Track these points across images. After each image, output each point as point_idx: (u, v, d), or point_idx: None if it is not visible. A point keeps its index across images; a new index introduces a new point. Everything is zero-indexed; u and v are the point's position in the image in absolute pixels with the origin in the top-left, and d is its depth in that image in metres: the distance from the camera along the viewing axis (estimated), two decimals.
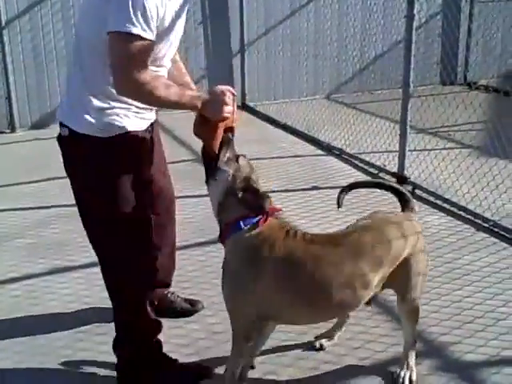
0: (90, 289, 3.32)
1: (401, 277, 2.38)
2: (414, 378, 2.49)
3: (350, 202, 4.41)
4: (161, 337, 2.61)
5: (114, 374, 2.58)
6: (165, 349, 2.63)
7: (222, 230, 2.29)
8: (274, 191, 4.77)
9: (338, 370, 2.63)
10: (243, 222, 2.22)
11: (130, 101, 2.25)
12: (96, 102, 2.23)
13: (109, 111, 2.24)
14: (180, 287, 3.35)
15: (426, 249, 2.52)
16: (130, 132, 2.32)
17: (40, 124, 6.68)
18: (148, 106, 2.37)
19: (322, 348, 2.75)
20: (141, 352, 2.52)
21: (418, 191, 4.60)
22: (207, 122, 2.34)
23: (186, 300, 3.15)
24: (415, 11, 4.36)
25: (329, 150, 5.80)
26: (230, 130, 2.40)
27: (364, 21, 7.61)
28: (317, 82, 7.90)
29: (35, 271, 3.63)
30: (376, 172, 5.11)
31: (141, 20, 2.06)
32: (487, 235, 3.87)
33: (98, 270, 2.56)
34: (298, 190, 4.82)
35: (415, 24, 4.41)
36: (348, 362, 2.68)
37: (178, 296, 3.14)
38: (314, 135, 6.14)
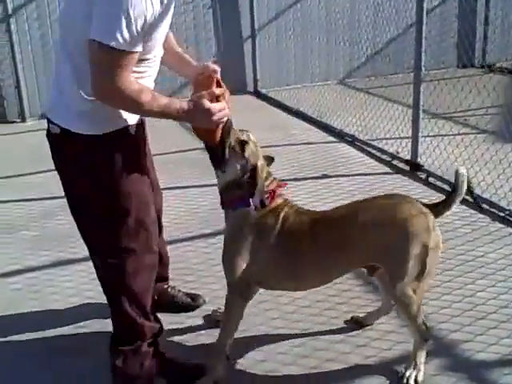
0: (91, 282, 3.23)
1: (389, 256, 2.32)
2: (419, 378, 2.38)
3: (360, 190, 4.30)
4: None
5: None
6: (165, 344, 2.57)
7: (228, 201, 2.40)
8: (283, 180, 4.66)
9: (342, 369, 2.53)
10: (252, 199, 2.33)
11: None
12: (88, 100, 2.13)
13: (101, 108, 2.13)
14: (183, 280, 3.28)
15: (427, 238, 2.31)
16: (124, 127, 2.24)
17: None
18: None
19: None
20: (139, 355, 2.44)
21: (431, 179, 4.46)
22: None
23: (187, 294, 3.06)
24: None
25: (341, 136, 5.66)
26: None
27: (376, 3, 7.41)
28: (329, 66, 7.74)
29: (38, 264, 3.58)
30: (389, 159, 4.97)
31: (124, 32, 1.93)
32: (503, 225, 3.72)
33: None
34: (308, 179, 4.70)
35: (428, 5, 4.25)
36: (352, 360, 2.57)
37: (179, 290, 3.06)
38: (327, 121, 6.01)
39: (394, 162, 4.89)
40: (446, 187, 4.27)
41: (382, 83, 7.33)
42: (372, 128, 5.53)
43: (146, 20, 1.98)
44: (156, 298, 2.92)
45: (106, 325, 2.76)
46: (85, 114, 2.15)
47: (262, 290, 2.57)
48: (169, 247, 3.69)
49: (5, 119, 6.72)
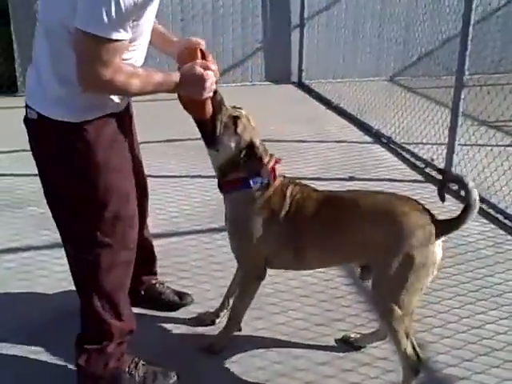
0: None
1: (376, 253, 2.20)
2: None
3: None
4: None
5: None
6: (140, 344, 2.43)
7: (227, 183, 2.35)
8: (306, 178, 4.46)
9: None
10: (253, 180, 2.30)
11: None
12: (64, 85, 1.99)
13: (78, 95, 2.00)
14: (177, 276, 3.14)
15: (418, 249, 2.13)
16: (104, 116, 2.09)
17: None
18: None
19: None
20: (105, 355, 2.30)
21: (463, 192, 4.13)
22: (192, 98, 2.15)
23: (175, 292, 2.90)
24: None
25: (377, 137, 5.38)
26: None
27: (434, 1, 7.02)
28: (380, 62, 7.42)
29: (37, 243, 3.49)
30: (423, 166, 4.67)
31: (113, 19, 1.81)
32: None
33: None
34: (333, 179, 4.46)
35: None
36: None
37: (167, 287, 2.91)
38: (365, 120, 5.73)
39: (427, 170, 4.59)
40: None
41: (432, 84, 6.95)
42: (410, 130, 5.21)
43: (135, 5, 1.84)
44: (142, 292, 2.84)
45: None
46: (61, 99, 2.01)
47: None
48: (173, 239, 3.58)
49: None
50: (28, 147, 2.15)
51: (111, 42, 1.85)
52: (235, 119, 2.28)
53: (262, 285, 2.47)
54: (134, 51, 2.06)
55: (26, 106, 2.10)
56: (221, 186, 2.40)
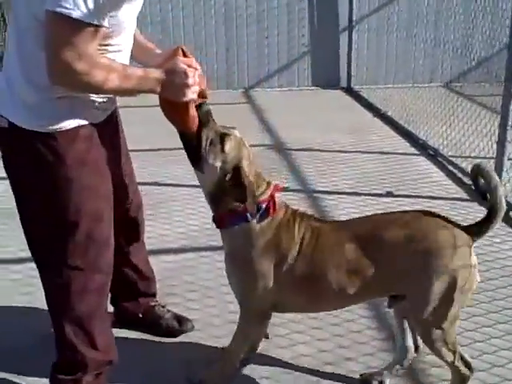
0: None
1: (415, 281, 2.01)
2: None
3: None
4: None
5: None
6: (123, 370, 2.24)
7: (221, 216, 2.08)
8: (340, 193, 4.16)
9: None
10: (250, 212, 2.02)
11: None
12: (38, 92, 1.82)
13: (51, 101, 1.83)
14: (184, 298, 2.92)
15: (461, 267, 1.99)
16: (81, 126, 1.90)
17: None
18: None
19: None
20: None
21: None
22: (174, 102, 1.91)
23: (175, 317, 2.68)
24: None
25: (424, 148, 5.00)
26: (201, 96, 1.97)
27: (495, 2, 6.53)
28: (434, 67, 6.99)
29: None
30: (470, 183, 4.27)
31: (88, 1, 1.63)
32: None
33: None
34: (368, 195, 4.14)
35: None
36: None
37: (168, 310, 2.69)
38: (412, 129, 5.36)
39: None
40: None
41: (491, 91, 6.48)
42: (459, 143, 4.81)
43: None
44: (140, 315, 2.64)
45: None
46: (32, 107, 1.84)
47: None
48: (188, 255, 3.36)
49: None
50: None
51: (84, 26, 1.66)
52: (223, 136, 2.00)
53: None
54: (116, 52, 1.87)
55: None
56: (215, 220, 2.11)
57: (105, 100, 1.95)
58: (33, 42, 1.76)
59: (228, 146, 1.99)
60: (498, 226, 2.05)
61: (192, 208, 3.90)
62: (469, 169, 4.25)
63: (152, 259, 3.25)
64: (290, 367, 2.43)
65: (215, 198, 2.05)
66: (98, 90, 1.81)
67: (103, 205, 2.00)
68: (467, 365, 2.10)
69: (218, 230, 2.14)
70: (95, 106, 1.93)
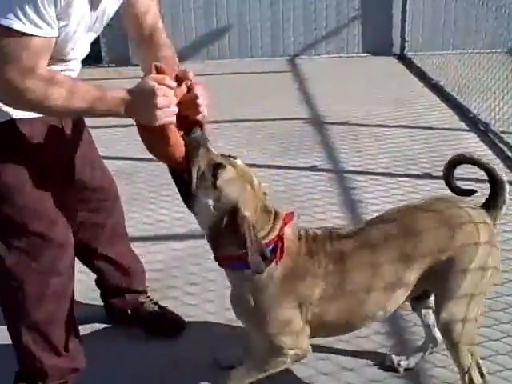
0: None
1: (439, 278, 1.85)
2: None
3: None
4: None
5: None
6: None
7: (222, 259, 1.78)
8: (372, 173, 3.84)
9: None
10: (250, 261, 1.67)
11: None
12: None
13: None
14: (183, 291, 2.73)
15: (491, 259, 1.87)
16: (24, 119, 1.71)
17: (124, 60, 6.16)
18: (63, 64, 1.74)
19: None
20: None
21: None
22: (150, 128, 1.63)
23: (165, 314, 2.49)
24: None
25: (474, 123, 4.56)
26: (195, 124, 1.71)
27: None
28: (498, 31, 6.37)
29: None
30: None
31: (28, 10, 1.46)
32: None
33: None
34: (403, 176, 3.80)
35: None
36: None
37: (160, 307, 2.51)
38: (464, 102, 4.90)
39: None
40: None
41: None
42: None
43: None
44: (129, 312, 2.48)
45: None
46: None
47: None
48: (195, 242, 3.12)
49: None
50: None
51: (28, 38, 1.48)
52: (216, 167, 1.66)
53: None
54: (69, 71, 1.71)
55: None
56: (216, 260, 1.82)
57: None
58: None
59: (221, 180, 1.65)
60: None
61: None
62: None
63: (159, 246, 3.08)
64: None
65: (214, 241, 1.74)
66: (40, 108, 1.59)
67: (53, 207, 1.82)
68: (482, 376, 1.90)
69: None
70: None
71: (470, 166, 2.04)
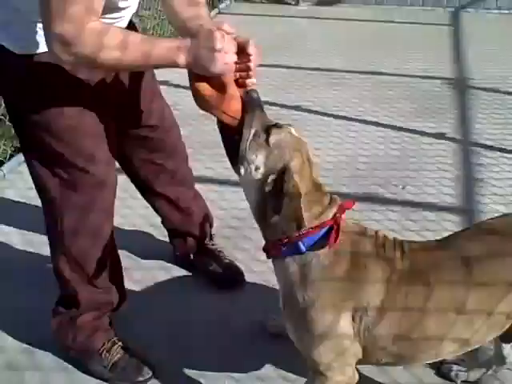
0: None
1: None
2: None
3: None
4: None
5: None
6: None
7: (271, 244, 1.59)
8: (507, 150, 3.38)
9: None
10: (303, 242, 1.51)
11: None
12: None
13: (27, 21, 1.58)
14: (255, 244, 2.58)
15: None
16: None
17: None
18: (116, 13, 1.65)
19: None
20: (74, 327, 1.99)
21: None
22: (209, 82, 1.54)
23: (228, 266, 2.40)
24: None
25: None
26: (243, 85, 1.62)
27: None
28: None
29: None
30: None
31: None
32: None
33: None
34: None
35: None
36: None
37: (224, 258, 2.42)
38: None
39: None
40: None
41: None
42: None
43: None
44: (191, 257, 2.44)
45: None
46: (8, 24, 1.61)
47: None
48: None
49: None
50: None
51: None
52: (270, 127, 1.53)
53: None
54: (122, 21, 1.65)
55: None
56: (266, 250, 1.63)
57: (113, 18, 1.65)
58: None
59: (275, 138, 1.51)
60: None
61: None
62: None
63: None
64: None
65: (260, 214, 1.56)
66: (96, 63, 1.49)
67: (94, 143, 1.76)
68: None
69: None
70: None
71: None
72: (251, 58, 1.58)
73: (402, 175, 3.14)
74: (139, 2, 1.74)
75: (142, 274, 2.44)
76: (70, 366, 2.02)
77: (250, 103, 1.56)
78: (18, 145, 2.71)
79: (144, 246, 2.58)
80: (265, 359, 2.03)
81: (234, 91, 1.56)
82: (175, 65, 1.51)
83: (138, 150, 2.09)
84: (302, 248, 1.51)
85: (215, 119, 1.60)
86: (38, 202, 1.89)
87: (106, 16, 1.55)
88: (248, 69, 1.60)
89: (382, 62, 4.64)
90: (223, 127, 1.59)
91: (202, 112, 1.61)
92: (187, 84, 1.58)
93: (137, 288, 2.34)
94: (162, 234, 2.55)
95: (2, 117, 3.15)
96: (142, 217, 2.74)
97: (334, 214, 1.53)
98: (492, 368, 1.87)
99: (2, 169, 3.17)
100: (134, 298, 2.17)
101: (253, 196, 1.55)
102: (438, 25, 5.57)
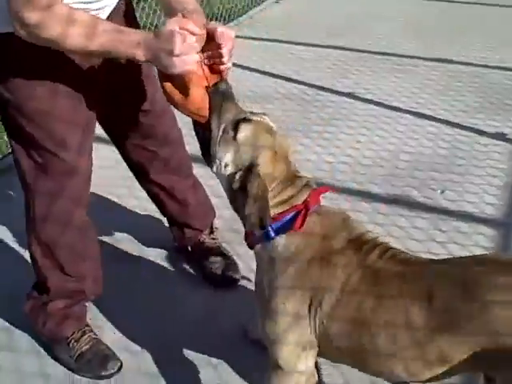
0: None
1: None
2: None
3: None
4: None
5: None
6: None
7: (247, 232, 1.58)
8: None
9: None
10: (272, 227, 1.48)
11: None
12: None
13: None
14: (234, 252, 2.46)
15: None
16: None
17: None
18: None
19: None
20: (44, 313, 1.97)
21: None
22: (173, 81, 1.53)
23: (225, 262, 2.29)
24: None
25: None
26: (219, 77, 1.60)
27: None
28: None
29: None
30: None
31: None
32: None
33: None
34: None
35: None
36: None
37: (221, 252, 2.32)
38: None
39: None
40: None
41: None
42: None
43: None
44: (189, 249, 2.37)
45: None
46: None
47: None
48: None
49: None
50: None
51: None
52: (238, 122, 1.49)
53: None
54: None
55: None
56: (245, 239, 1.60)
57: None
58: None
59: (242, 134, 1.48)
60: None
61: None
62: None
63: None
64: None
65: (234, 206, 1.55)
66: (60, 47, 1.47)
67: (66, 129, 1.69)
68: None
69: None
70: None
71: None
72: (221, 44, 1.54)
73: (444, 178, 2.87)
74: None
75: (140, 262, 2.39)
76: (41, 350, 2.01)
77: (217, 98, 1.52)
78: None
79: (150, 233, 2.53)
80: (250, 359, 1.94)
81: (197, 88, 1.51)
82: (136, 60, 1.48)
83: (130, 135, 2.04)
84: (271, 233, 1.48)
85: None
86: None
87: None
88: (220, 55, 1.56)
89: (454, 49, 4.30)
90: (194, 124, 1.57)
91: None
92: None
93: (129, 277, 2.30)
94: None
95: None
96: None
97: (306, 199, 1.48)
98: None
99: None
100: (124, 288, 2.14)
101: (226, 191, 1.55)
102: (504, 6, 5.10)
